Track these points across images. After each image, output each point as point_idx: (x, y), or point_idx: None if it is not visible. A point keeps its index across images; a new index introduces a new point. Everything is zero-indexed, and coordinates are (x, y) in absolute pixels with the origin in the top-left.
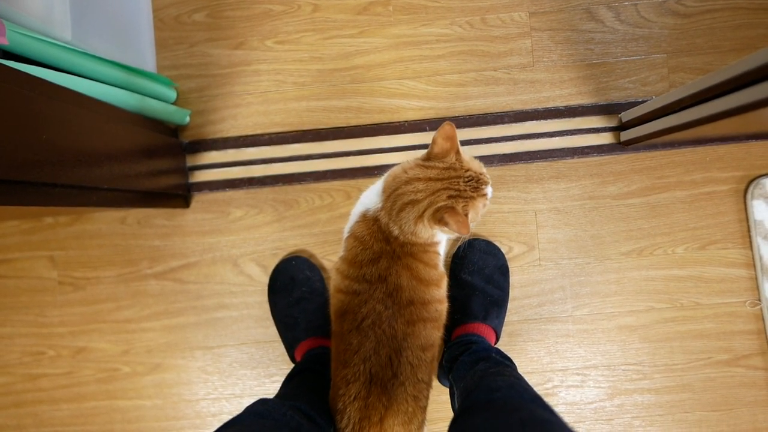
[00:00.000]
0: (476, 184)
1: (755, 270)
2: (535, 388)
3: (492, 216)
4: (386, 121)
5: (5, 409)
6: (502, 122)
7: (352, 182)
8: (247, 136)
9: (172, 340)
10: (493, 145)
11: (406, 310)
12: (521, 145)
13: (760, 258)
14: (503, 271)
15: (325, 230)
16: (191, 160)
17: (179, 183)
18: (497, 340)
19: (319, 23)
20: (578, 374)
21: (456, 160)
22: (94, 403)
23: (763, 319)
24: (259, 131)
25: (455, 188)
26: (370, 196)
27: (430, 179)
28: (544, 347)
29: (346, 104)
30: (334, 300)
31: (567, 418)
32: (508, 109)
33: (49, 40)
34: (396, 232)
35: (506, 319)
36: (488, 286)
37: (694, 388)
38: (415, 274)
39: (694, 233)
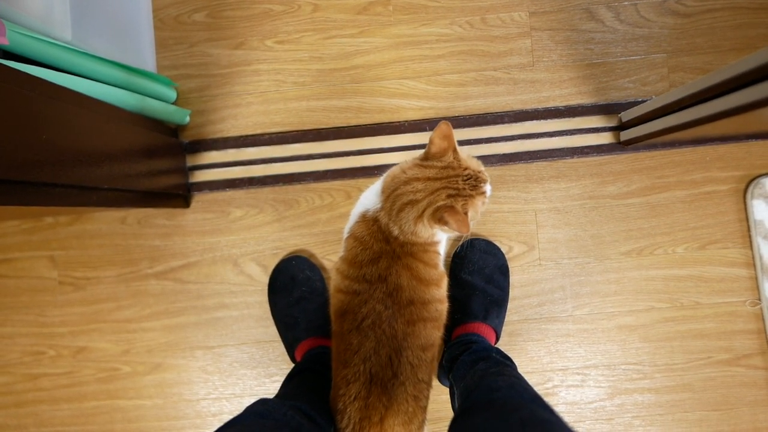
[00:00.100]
0: (475, 183)
1: (755, 269)
2: (536, 388)
3: (492, 216)
4: (386, 120)
5: (6, 408)
6: (502, 122)
7: (353, 182)
8: (247, 136)
9: (172, 340)
10: (493, 144)
11: (406, 310)
12: (521, 145)
13: (760, 257)
14: (503, 270)
15: (326, 230)
16: (191, 160)
17: (179, 183)
18: (497, 339)
19: (319, 23)
20: (578, 374)
21: (454, 158)
22: (95, 402)
23: (763, 319)
24: (259, 131)
25: (454, 187)
26: (370, 196)
27: (428, 179)
28: (544, 347)
29: (346, 104)
30: (334, 300)
31: (567, 418)
32: (508, 108)
33: (49, 40)
34: (396, 232)
35: (506, 318)
36: (488, 285)
37: (694, 388)
38: (415, 274)
39: (694, 233)
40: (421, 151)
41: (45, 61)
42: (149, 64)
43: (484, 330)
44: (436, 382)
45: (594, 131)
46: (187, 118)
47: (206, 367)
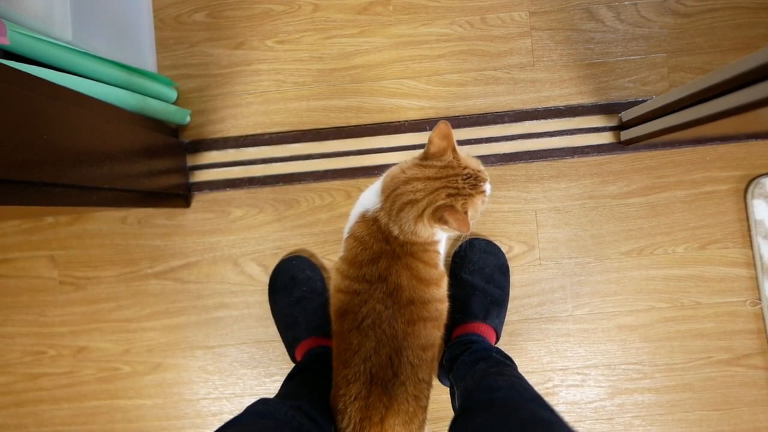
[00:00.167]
0: (474, 182)
1: (755, 269)
2: (536, 388)
3: (492, 215)
4: (386, 120)
5: (6, 408)
6: (502, 122)
7: (353, 182)
8: (247, 136)
9: (172, 340)
10: (493, 144)
11: (406, 310)
12: (521, 145)
13: (761, 257)
14: (503, 270)
15: (326, 230)
16: (192, 160)
17: (180, 183)
18: (497, 339)
19: (319, 23)
20: (578, 373)
21: (453, 158)
22: (95, 402)
23: (763, 319)
24: (259, 131)
25: (454, 186)
26: (369, 196)
27: (428, 178)
28: (545, 347)
29: (347, 104)
30: (335, 300)
31: (567, 418)
32: (508, 108)
33: (49, 40)
34: (396, 231)
35: (506, 318)
36: (488, 285)
37: (694, 388)
38: (415, 274)
39: (695, 233)
40: (421, 151)
41: (45, 61)
42: (149, 64)
43: (485, 330)
44: (436, 382)
45: (594, 131)
46: (188, 118)
47: (206, 366)
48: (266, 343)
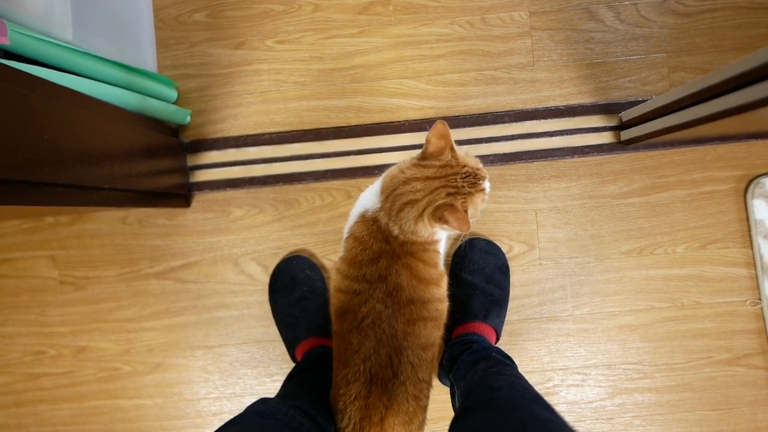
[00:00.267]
0: (474, 180)
1: (755, 269)
2: (536, 388)
3: (492, 215)
4: (387, 120)
5: (6, 408)
6: (503, 121)
7: (353, 182)
8: (247, 136)
9: (172, 340)
10: (494, 144)
11: (406, 310)
12: (521, 145)
13: (761, 257)
14: (504, 270)
15: (326, 230)
16: (192, 160)
17: (180, 182)
18: (498, 339)
19: (319, 23)
20: (579, 373)
21: (452, 157)
22: (95, 402)
23: (763, 318)
24: (259, 131)
25: (453, 185)
26: (369, 196)
27: (427, 178)
28: (545, 346)
29: (347, 104)
30: (334, 300)
31: (567, 418)
32: (508, 108)
33: (50, 40)
34: (396, 231)
35: (507, 318)
36: (489, 285)
37: (694, 388)
38: (415, 273)
39: (695, 232)
40: (419, 151)
41: (46, 61)
42: (150, 63)
43: (485, 329)
44: (436, 382)
45: (594, 131)
46: (188, 118)
47: (207, 366)
48: (266, 343)
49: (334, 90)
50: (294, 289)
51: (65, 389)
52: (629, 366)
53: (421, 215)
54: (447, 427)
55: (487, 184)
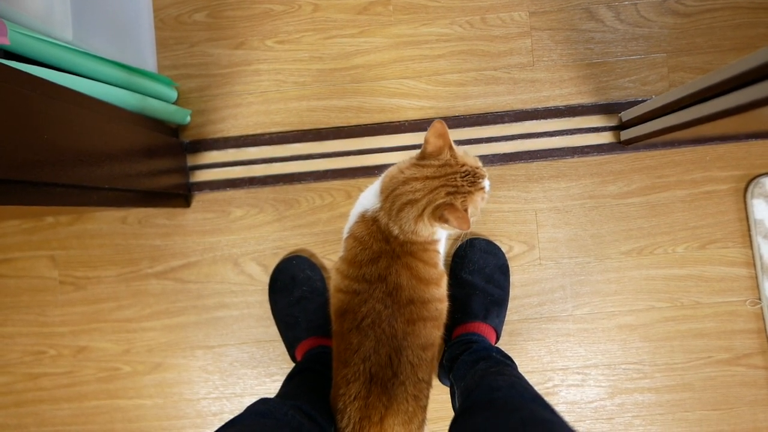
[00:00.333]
0: (473, 179)
1: (755, 269)
2: (536, 388)
3: (492, 215)
4: (387, 120)
5: (6, 408)
6: (503, 121)
7: (353, 182)
8: (247, 136)
9: (172, 340)
10: (494, 144)
11: (405, 309)
12: (521, 145)
13: (761, 257)
14: (503, 270)
15: (326, 230)
16: (192, 160)
17: (180, 182)
18: (498, 339)
19: (319, 23)
20: (579, 373)
21: (450, 156)
22: (95, 402)
23: (763, 318)
24: (259, 131)
25: (453, 184)
26: (368, 197)
27: (427, 178)
28: (545, 346)
29: (347, 104)
30: (334, 299)
31: (567, 418)
32: (508, 108)
33: (50, 40)
34: (396, 231)
35: (507, 318)
36: (489, 285)
37: (694, 387)
38: (415, 273)
39: (694, 232)
40: (418, 151)
41: (46, 61)
42: (150, 63)
43: (485, 329)
44: (436, 382)
45: (594, 131)
46: (188, 118)
47: (207, 366)
48: (266, 343)
49: (334, 90)
50: (294, 289)
51: (65, 389)
52: (629, 366)
53: (421, 215)
54: (447, 427)
55: (486, 183)
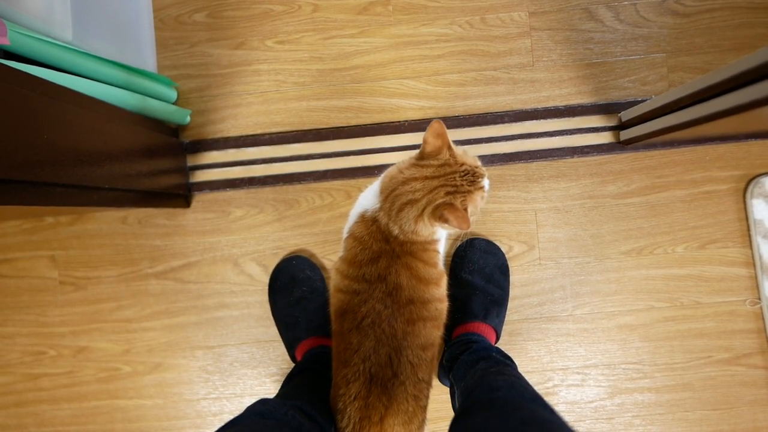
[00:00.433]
0: (473, 178)
1: (755, 269)
2: (536, 387)
3: (492, 215)
4: (386, 120)
5: (6, 408)
6: (502, 122)
7: (353, 182)
8: (247, 136)
9: (172, 340)
10: (493, 144)
11: (405, 309)
12: (521, 145)
13: (760, 257)
14: (503, 270)
15: (326, 230)
16: (192, 160)
17: (180, 183)
18: (497, 339)
19: (319, 23)
20: (578, 373)
21: (450, 156)
22: (95, 402)
23: (763, 318)
24: (259, 131)
25: (452, 184)
26: (368, 197)
27: (426, 178)
28: (545, 346)
29: (347, 104)
30: (334, 299)
31: (567, 417)
32: (508, 108)
33: (50, 40)
34: (396, 231)
35: (506, 318)
36: (488, 285)
37: (694, 387)
38: (415, 273)
39: (694, 232)
40: (417, 151)
41: (46, 61)
42: (150, 64)
43: (485, 329)
44: (436, 382)
45: (594, 131)
46: (188, 118)
47: (207, 366)
48: (266, 343)
49: (334, 90)
50: (294, 289)
51: (65, 389)
52: (629, 366)
53: (421, 215)
54: (447, 427)
55: (485, 182)
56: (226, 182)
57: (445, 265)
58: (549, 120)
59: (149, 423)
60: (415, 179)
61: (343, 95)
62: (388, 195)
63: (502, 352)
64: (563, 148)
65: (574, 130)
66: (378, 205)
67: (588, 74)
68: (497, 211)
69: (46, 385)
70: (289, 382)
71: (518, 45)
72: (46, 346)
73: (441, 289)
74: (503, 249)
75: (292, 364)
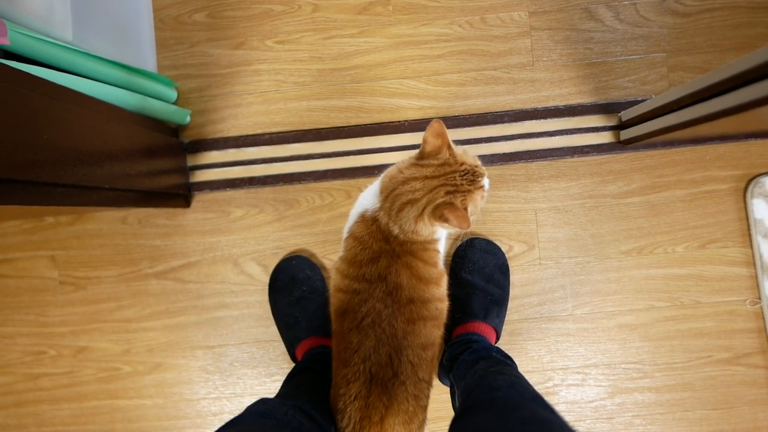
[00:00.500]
0: (472, 177)
1: (755, 268)
2: (536, 387)
3: (492, 215)
4: (386, 120)
5: (6, 408)
6: (502, 121)
7: (353, 181)
8: (247, 136)
9: (172, 340)
10: (493, 144)
11: (405, 309)
12: (521, 144)
13: (760, 256)
14: (503, 270)
15: (326, 229)
16: (192, 160)
17: (180, 182)
18: (498, 339)
19: (319, 23)
20: (579, 373)
21: (449, 155)
22: (95, 402)
23: (763, 318)
24: (259, 131)
25: (452, 183)
26: (368, 197)
27: (426, 177)
28: (545, 346)
29: (347, 104)
30: (334, 299)
31: (567, 417)
32: (508, 108)
33: (50, 40)
34: (396, 231)
35: (506, 318)
36: (488, 285)
37: (694, 387)
38: (415, 273)
39: (694, 232)
40: (417, 151)
41: (46, 61)
42: (150, 64)
43: (485, 329)
44: (436, 382)
45: (594, 130)
46: (188, 118)
47: (207, 366)
48: (266, 343)
49: (334, 90)
50: (294, 289)
51: (65, 389)
52: (629, 365)
53: (421, 214)
54: (447, 427)
55: (485, 181)
56: (226, 182)
57: (445, 264)
58: (549, 120)
59: (149, 423)
60: (415, 179)
61: (343, 95)
62: (388, 195)
63: (502, 351)
64: (563, 147)
65: (574, 129)
66: (378, 205)
67: (588, 74)
68: (497, 211)
69: (46, 385)
70: (289, 382)
71: (518, 45)
72: (46, 346)
73: (441, 289)
74: (503, 249)
75: (292, 364)
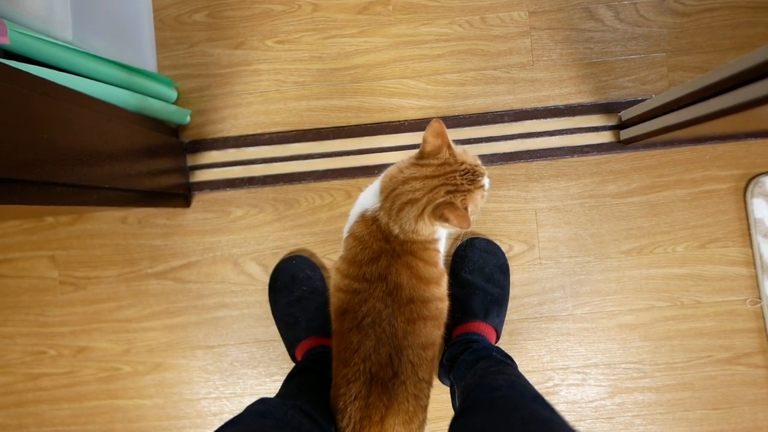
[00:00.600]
0: (473, 177)
1: (755, 268)
2: (536, 387)
3: (492, 215)
4: (386, 120)
5: (6, 408)
6: (502, 121)
7: (353, 181)
8: (247, 136)
9: (173, 340)
10: (493, 144)
11: (406, 309)
12: (521, 144)
13: (760, 256)
14: (503, 269)
15: (326, 229)
16: (192, 160)
17: (180, 182)
18: (498, 338)
19: (319, 23)
20: (579, 373)
21: (449, 155)
22: (95, 402)
23: (763, 317)
24: (259, 131)
25: (452, 183)
26: (368, 196)
27: (426, 177)
28: (545, 346)
29: (347, 103)
30: (334, 299)
31: (568, 417)
32: (507, 108)
33: (50, 39)
34: (396, 231)
35: (507, 317)
36: (488, 284)
37: (694, 387)
38: (415, 272)
39: (694, 231)
40: (417, 150)
41: (46, 61)
42: (150, 63)
43: (485, 329)
44: (436, 382)
45: (594, 130)
46: (188, 118)
47: (207, 366)
48: (266, 343)
49: (334, 90)
50: (294, 289)
51: (65, 389)
52: (629, 365)
53: (421, 214)
54: (447, 427)
55: (486, 180)
56: (226, 182)
57: (445, 264)
58: (549, 119)
59: (149, 423)
60: (415, 178)
61: (343, 95)
62: (388, 194)
63: (503, 351)
64: (563, 147)
65: (574, 129)
66: (378, 205)
67: (588, 73)
68: (497, 211)
69: (46, 385)
70: (289, 382)
71: (518, 44)
72: (46, 346)
73: (441, 288)
74: (503, 248)
75: (292, 364)
